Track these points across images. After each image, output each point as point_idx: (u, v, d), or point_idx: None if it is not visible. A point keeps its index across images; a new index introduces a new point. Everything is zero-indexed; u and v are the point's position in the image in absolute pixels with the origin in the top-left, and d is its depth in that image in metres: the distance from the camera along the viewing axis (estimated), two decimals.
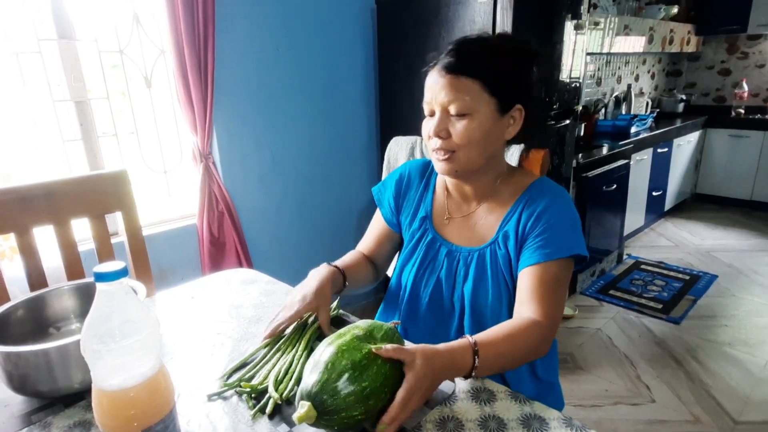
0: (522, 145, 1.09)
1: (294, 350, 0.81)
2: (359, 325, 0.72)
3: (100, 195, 1.09)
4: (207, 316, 1.00)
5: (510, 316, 0.91)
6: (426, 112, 0.88)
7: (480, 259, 0.90)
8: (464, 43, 0.85)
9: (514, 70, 0.84)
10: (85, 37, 1.61)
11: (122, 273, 0.53)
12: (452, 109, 0.83)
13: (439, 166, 0.88)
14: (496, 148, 0.88)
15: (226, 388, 0.74)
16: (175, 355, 0.86)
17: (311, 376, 0.64)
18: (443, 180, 0.99)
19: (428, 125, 0.87)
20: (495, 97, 0.83)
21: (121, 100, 1.75)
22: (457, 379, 0.76)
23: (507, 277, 0.89)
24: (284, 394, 0.71)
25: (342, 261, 1.00)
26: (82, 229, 1.15)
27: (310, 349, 0.81)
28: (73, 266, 1.07)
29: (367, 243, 1.08)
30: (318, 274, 0.91)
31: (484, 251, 0.91)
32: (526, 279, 0.83)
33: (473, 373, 0.71)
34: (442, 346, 0.70)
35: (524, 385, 0.93)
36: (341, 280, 0.95)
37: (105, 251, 1.10)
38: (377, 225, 1.08)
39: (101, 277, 0.52)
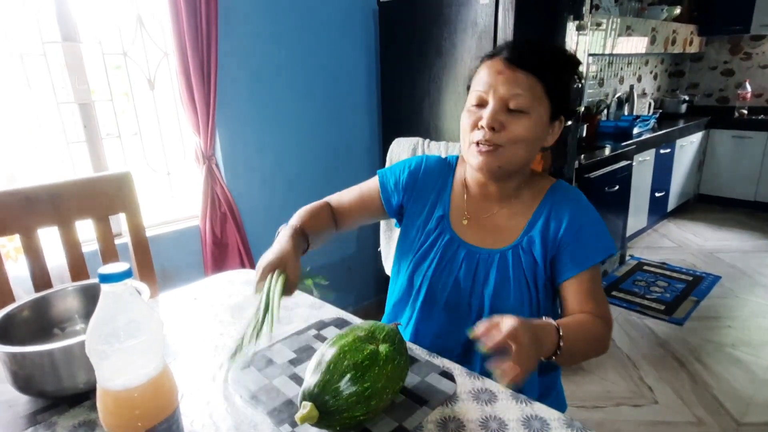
0: None
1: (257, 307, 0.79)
2: (361, 326, 0.73)
3: (104, 197, 1.10)
4: (210, 317, 1.01)
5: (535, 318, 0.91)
6: (473, 101, 0.85)
7: (502, 262, 0.89)
8: (528, 42, 0.85)
9: (567, 80, 0.86)
10: (88, 39, 1.62)
11: (126, 274, 0.54)
12: (512, 104, 0.81)
13: (478, 159, 0.85)
14: (536, 152, 0.88)
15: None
16: (179, 355, 0.87)
17: (313, 376, 0.65)
18: (462, 179, 0.98)
19: (474, 115, 0.84)
20: (551, 102, 0.84)
21: (124, 102, 1.76)
22: (458, 380, 0.76)
23: (531, 281, 0.88)
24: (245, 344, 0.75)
25: (301, 219, 0.99)
26: (86, 230, 1.16)
27: (267, 303, 0.77)
28: (77, 267, 1.08)
29: (342, 199, 1.05)
30: (278, 241, 0.89)
31: (506, 253, 0.90)
32: (573, 288, 0.86)
33: (558, 353, 0.73)
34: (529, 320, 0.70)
35: (527, 386, 0.93)
36: (304, 241, 0.95)
37: (109, 252, 1.11)
38: (366, 189, 1.06)
39: (106, 278, 0.53)
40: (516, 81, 0.81)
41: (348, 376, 0.63)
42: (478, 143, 0.84)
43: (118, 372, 0.54)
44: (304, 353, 0.86)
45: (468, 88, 0.92)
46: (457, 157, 1.03)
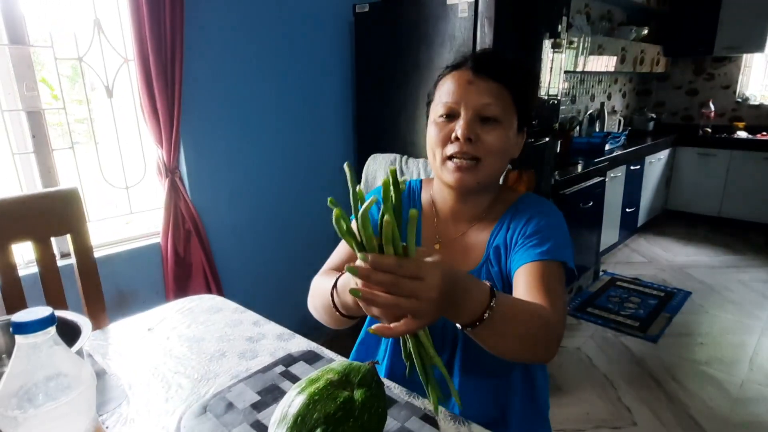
0: (508, 166, 1.06)
1: None
2: (333, 368, 0.64)
3: (47, 216, 0.98)
4: (164, 351, 0.90)
5: None
6: (442, 111, 0.80)
7: None
8: (493, 52, 0.84)
9: (531, 91, 0.85)
10: (39, 42, 1.50)
11: (47, 322, 0.44)
12: (486, 112, 0.78)
13: (455, 176, 0.79)
14: (506, 164, 0.86)
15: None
16: (124, 401, 0.76)
17: None
18: (430, 201, 0.93)
19: (445, 128, 0.80)
20: (518, 112, 0.82)
21: (79, 111, 1.63)
22: (441, 425, 0.69)
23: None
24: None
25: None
26: (25, 250, 1.04)
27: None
28: (12, 294, 0.96)
29: (335, 260, 0.93)
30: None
31: (477, 273, 0.85)
32: (523, 276, 0.75)
33: (485, 317, 0.59)
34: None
35: (513, 416, 0.87)
36: None
37: (50, 277, 0.99)
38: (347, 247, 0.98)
39: (21, 327, 0.43)
40: (488, 90, 0.79)
41: (318, 431, 0.55)
42: (452, 158, 0.80)
43: None
44: (269, 395, 0.76)
45: (428, 103, 0.88)
46: (420, 181, 0.98)
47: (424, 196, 0.95)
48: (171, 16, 1.56)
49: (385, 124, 2.14)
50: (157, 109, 1.61)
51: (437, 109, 0.82)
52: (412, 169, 1.23)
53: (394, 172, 0.57)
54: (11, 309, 0.96)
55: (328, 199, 0.56)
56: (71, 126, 1.60)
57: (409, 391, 0.78)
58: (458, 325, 0.62)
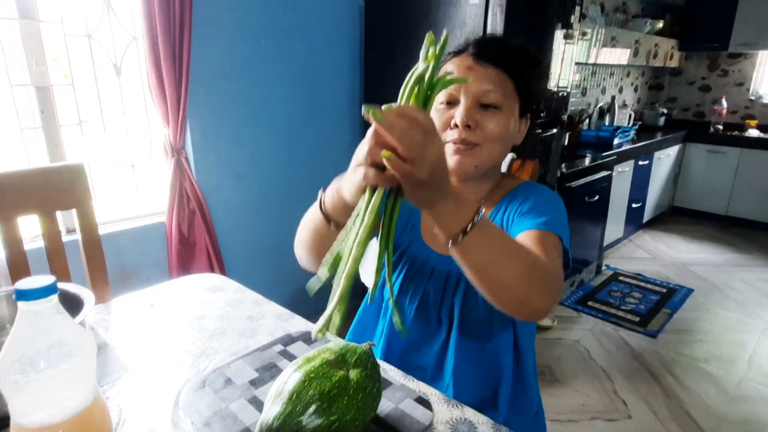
0: (512, 154, 1.05)
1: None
2: (330, 348, 0.65)
3: (52, 190, 0.99)
4: (165, 327, 0.92)
5: (502, 328, 0.87)
6: (443, 98, 0.80)
7: None
8: (495, 38, 0.83)
9: (533, 76, 0.83)
10: (49, 18, 1.50)
11: (50, 290, 0.45)
12: (485, 100, 0.78)
13: (454, 159, 0.80)
14: (508, 150, 0.85)
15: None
16: (124, 373, 0.77)
17: (273, 406, 0.57)
18: None
19: (445, 114, 0.80)
20: (520, 99, 0.81)
21: (87, 88, 1.63)
22: (435, 408, 0.70)
23: None
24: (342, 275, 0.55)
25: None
26: (31, 225, 1.05)
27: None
28: (18, 267, 0.98)
29: None
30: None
31: None
32: (522, 238, 0.74)
33: (469, 227, 0.57)
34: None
35: (504, 393, 0.88)
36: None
37: (56, 251, 1.01)
38: None
39: (24, 294, 0.44)
40: (488, 77, 0.78)
41: (313, 407, 0.56)
42: (452, 143, 0.80)
43: (35, 406, 0.45)
44: (266, 372, 0.78)
45: None
46: None
47: None
48: None
49: None
50: (165, 88, 1.61)
51: (438, 95, 0.82)
52: None
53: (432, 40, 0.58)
54: (17, 281, 0.97)
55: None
56: (79, 103, 1.61)
57: (404, 374, 0.79)
58: (449, 245, 0.59)
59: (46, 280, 0.45)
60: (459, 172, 0.82)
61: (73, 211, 1.04)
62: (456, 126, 0.78)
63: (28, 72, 1.48)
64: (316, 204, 0.73)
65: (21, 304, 0.45)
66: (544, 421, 0.98)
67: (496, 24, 1.74)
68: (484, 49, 0.80)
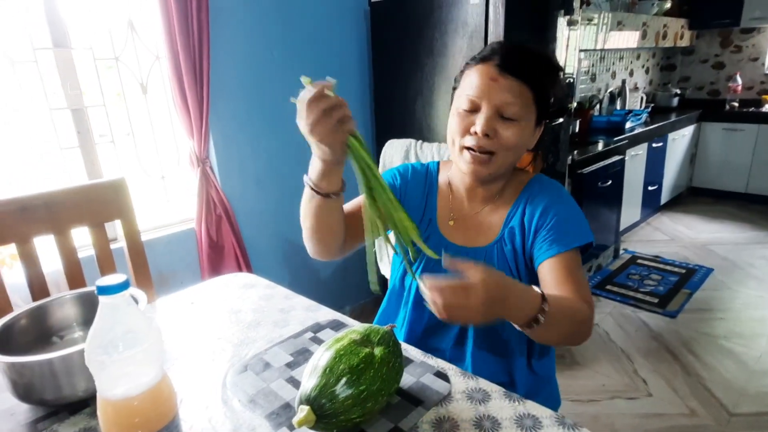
0: None
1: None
2: (356, 329, 0.74)
3: (99, 204, 1.10)
4: (207, 321, 1.02)
5: None
6: (465, 107, 0.85)
7: (487, 258, 0.92)
8: (520, 49, 0.86)
9: (552, 86, 0.87)
10: (80, 44, 1.62)
11: (124, 286, 0.55)
12: (506, 112, 0.83)
13: (470, 167, 0.86)
14: (520, 157, 0.91)
15: None
16: (177, 361, 0.88)
17: (310, 380, 0.66)
18: (447, 181, 1.00)
19: (466, 120, 0.85)
20: (537, 108, 0.86)
21: (117, 107, 1.76)
22: (452, 380, 0.78)
23: (515, 272, 0.91)
24: None
25: None
26: (81, 234, 1.16)
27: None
28: (74, 273, 1.09)
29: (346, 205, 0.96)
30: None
31: (490, 249, 0.92)
32: (550, 270, 0.83)
33: (540, 319, 0.69)
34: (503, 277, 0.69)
35: (521, 380, 0.95)
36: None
37: (105, 258, 1.12)
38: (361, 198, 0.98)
39: (104, 290, 0.54)
40: (510, 89, 0.82)
41: (344, 379, 0.65)
42: (469, 149, 0.86)
43: (117, 381, 0.55)
44: (300, 356, 0.87)
45: (453, 88, 0.93)
46: (438, 163, 1.05)
47: (441, 177, 1.02)
48: (197, 13, 1.66)
49: (402, 110, 2.21)
50: (188, 103, 1.72)
51: (460, 101, 0.87)
52: (427, 153, 1.30)
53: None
54: (73, 286, 1.09)
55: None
56: (111, 122, 1.73)
57: (424, 353, 0.87)
58: (517, 327, 0.72)
59: (120, 277, 0.55)
60: (475, 177, 0.89)
61: (117, 221, 1.15)
62: (475, 133, 0.84)
63: (63, 96, 1.60)
64: (307, 189, 0.82)
65: (102, 298, 0.54)
66: (558, 392, 1.04)
67: (497, 21, 1.80)
68: (509, 61, 0.83)
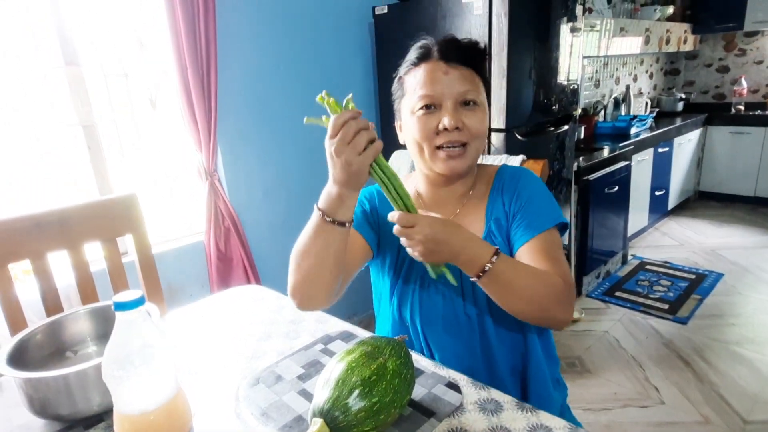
0: (522, 156, 1.13)
1: None
2: (367, 341, 0.74)
3: (111, 219, 1.12)
4: (218, 334, 1.03)
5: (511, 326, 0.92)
6: (422, 104, 0.84)
7: None
8: (453, 39, 0.87)
9: (485, 68, 0.91)
10: (90, 62, 1.65)
11: (140, 302, 0.56)
12: (466, 100, 0.84)
13: (450, 164, 0.85)
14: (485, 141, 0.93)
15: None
16: (189, 374, 0.88)
17: (322, 393, 0.66)
18: (415, 193, 0.97)
19: (430, 119, 0.84)
20: (485, 92, 0.89)
21: (127, 122, 1.78)
22: (464, 391, 0.78)
23: None
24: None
25: None
26: (93, 248, 1.18)
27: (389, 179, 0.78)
28: (86, 287, 1.10)
29: None
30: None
31: None
32: (527, 254, 0.84)
33: (487, 267, 0.74)
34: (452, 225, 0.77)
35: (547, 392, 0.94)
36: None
37: (117, 272, 1.13)
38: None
39: (120, 306, 0.55)
40: (463, 78, 0.84)
41: (356, 391, 0.65)
42: (441, 147, 0.85)
43: (134, 397, 0.56)
44: (312, 368, 0.87)
45: (394, 98, 0.94)
46: None
47: (408, 188, 0.97)
48: (205, 29, 1.69)
49: None
50: (196, 117, 1.75)
51: (414, 103, 0.85)
52: (402, 172, 1.31)
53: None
54: (86, 300, 1.10)
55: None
56: (121, 137, 1.76)
57: (435, 363, 0.87)
58: (472, 278, 0.77)
59: (136, 294, 0.56)
60: (453, 175, 0.88)
61: (129, 235, 1.16)
62: (445, 129, 0.84)
63: (75, 113, 1.63)
64: (318, 221, 0.78)
65: (118, 314, 0.55)
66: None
67: (501, 30, 1.82)
68: (451, 53, 0.85)
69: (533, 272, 0.79)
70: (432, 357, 0.94)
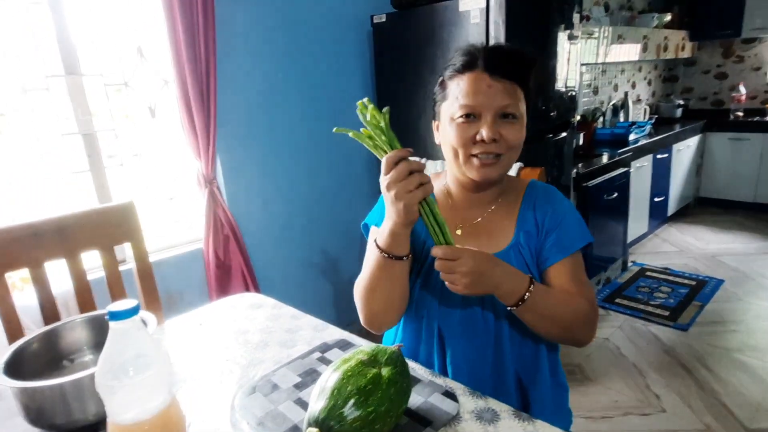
0: (520, 163, 1.13)
1: None
2: (363, 350, 0.74)
3: (109, 227, 1.12)
4: (215, 342, 1.03)
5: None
6: (462, 113, 0.85)
7: (506, 261, 0.89)
8: (502, 51, 0.88)
9: (531, 79, 0.89)
10: (90, 71, 1.66)
11: (134, 311, 0.56)
12: (506, 113, 0.85)
13: (482, 171, 0.87)
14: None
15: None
16: (185, 383, 0.88)
17: (318, 402, 0.66)
18: (444, 190, 0.99)
19: (468, 128, 0.85)
20: (527, 103, 0.89)
21: (126, 130, 1.79)
22: (461, 400, 0.78)
23: (535, 272, 0.91)
24: None
25: None
26: (90, 257, 1.18)
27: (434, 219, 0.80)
28: (84, 295, 1.10)
29: None
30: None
31: (507, 253, 0.91)
32: (558, 272, 0.89)
33: (525, 297, 0.79)
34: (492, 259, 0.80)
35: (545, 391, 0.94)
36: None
37: (114, 280, 1.13)
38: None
39: (115, 315, 0.55)
40: (505, 91, 0.85)
41: (352, 401, 0.65)
42: (476, 155, 0.86)
43: (127, 406, 0.56)
44: (308, 377, 0.87)
45: (435, 100, 0.93)
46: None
47: (437, 189, 1.00)
48: (205, 38, 1.70)
49: (406, 127, 2.23)
50: (196, 126, 1.76)
51: (455, 110, 0.86)
52: (430, 170, 1.31)
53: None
54: (83, 308, 1.10)
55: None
56: (120, 146, 1.76)
57: (432, 372, 0.87)
58: (509, 307, 0.81)
59: (130, 303, 0.56)
60: (486, 181, 0.90)
61: (126, 244, 1.16)
62: (482, 140, 0.85)
63: (75, 121, 1.64)
64: (379, 258, 0.83)
65: (112, 324, 0.55)
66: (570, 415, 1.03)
67: (498, 37, 1.83)
68: (496, 65, 0.84)
69: (563, 299, 0.85)
70: (443, 360, 0.95)
